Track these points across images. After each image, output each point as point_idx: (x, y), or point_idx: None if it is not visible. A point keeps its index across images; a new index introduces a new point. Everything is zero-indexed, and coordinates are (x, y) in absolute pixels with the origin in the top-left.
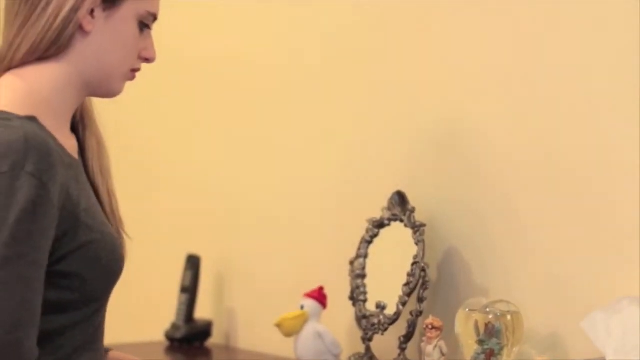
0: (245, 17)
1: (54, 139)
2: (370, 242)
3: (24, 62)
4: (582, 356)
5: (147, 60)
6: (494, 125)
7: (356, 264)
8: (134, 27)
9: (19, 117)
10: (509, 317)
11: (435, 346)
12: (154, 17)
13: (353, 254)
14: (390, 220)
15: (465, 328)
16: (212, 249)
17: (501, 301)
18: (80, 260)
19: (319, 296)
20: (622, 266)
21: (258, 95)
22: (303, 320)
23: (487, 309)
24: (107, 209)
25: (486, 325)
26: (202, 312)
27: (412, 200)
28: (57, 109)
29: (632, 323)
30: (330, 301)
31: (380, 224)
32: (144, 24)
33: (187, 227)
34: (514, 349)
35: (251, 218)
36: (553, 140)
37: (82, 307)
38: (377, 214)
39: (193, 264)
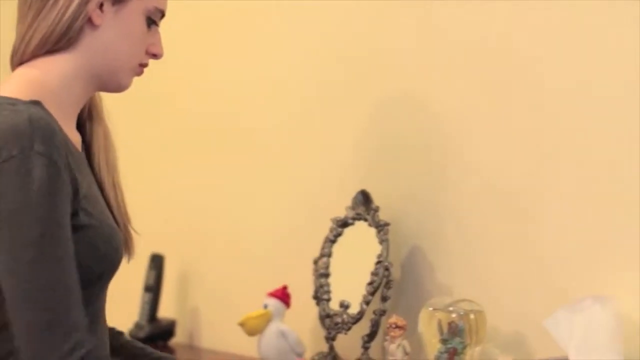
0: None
1: (58, 125)
2: (334, 242)
3: (34, 55)
4: (545, 355)
5: (155, 55)
6: (457, 124)
7: (320, 263)
8: (141, 22)
9: (23, 102)
10: (472, 316)
11: (399, 345)
12: (162, 14)
13: (317, 253)
14: (354, 219)
15: (428, 327)
16: (176, 248)
17: (464, 300)
18: (76, 243)
19: (283, 295)
20: (584, 265)
21: (221, 97)
22: (266, 319)
23: (451, 308)
24: (113, 203)
25: (449, 324)
26: (165, 311)
27: (376, 199)
28: (63, 100)
29: (595, 322)
30: (293, 300)
31: (344, 223)
32: (152, 20)
33: (151, 227)
34: (477, 348)
35: (215, 218)
36: (514, 140)
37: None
38: (341, 213)
39: (157, 263)
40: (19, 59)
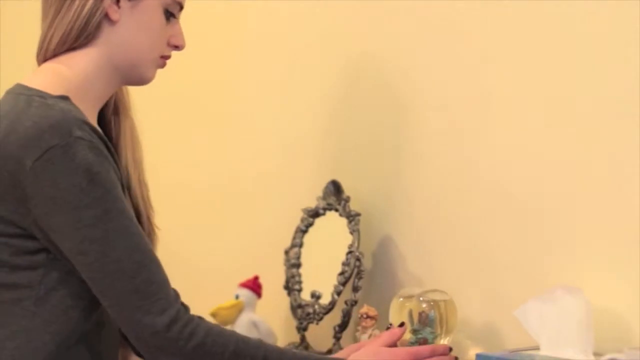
0: None
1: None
2: (305, 232)
3: (57, 53)
4: (517, 345)
5: (177, 47)
6: (429, 114)
7: (291, 253)
8: (159, 15)
9: (52, 96)
10: (442, 306)
11: (370, 335)
12: (180, 6)
13: (288, 243)
14: (325, 209)
15: (399, 317)
16: None
17: (435, 290)
18: None
19: (254, 285)
20: (555, 256)
21: (195, 83)
22: (238, 309)
23: (421, 298)
24: (139, 197)
25: (420, 314)
26: None
27: (347, 189)
28: (87, 96)
29: (566, 312)
30: (265, 290)
31: (315, 213)
32: (170, 12)
33: None
34: (447, 338)
35: (185, 207)
36: (487, 132)
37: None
38: (312, 203)
39: None
40: (42, 57)
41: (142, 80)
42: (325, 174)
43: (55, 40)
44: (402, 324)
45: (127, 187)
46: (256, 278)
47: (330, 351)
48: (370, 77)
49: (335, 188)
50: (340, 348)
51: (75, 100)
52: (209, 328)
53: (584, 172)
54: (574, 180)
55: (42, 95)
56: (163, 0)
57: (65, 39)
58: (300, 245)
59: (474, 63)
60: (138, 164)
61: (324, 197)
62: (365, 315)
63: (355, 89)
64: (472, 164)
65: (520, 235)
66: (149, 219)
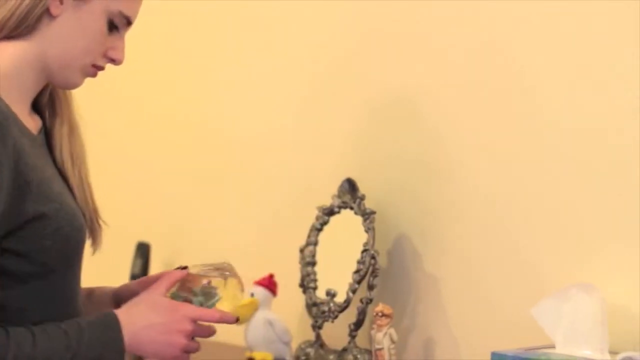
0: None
1: (8, 107)
2: (320, 230)
3: None
4: (533, 343)
5: (113, 61)
6: (444, 111)
7: (306, 251)
8: (101, 23)
9: None
10: (229, 286)
11: (385, 333)
12: (127, 21)
13: (303, 242)
14: (340, 207)
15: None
16: (162, 236)
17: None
18: (39, 227)
19: (269, 284)
20: (570, 254)
21: (207, 85)
22: (253, 308)
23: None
24: (79, 196)
25: (206, 283)
26: None
27: (362, 187)
28: (15, 85)
29: (581, 310)
30: (280, 289)
31: (330, 212)
32: (114, 24)
33: (137, 215)
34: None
35: (201, 207)
36: (502, 135)
37: (44, 278)
38: (327, 202)
39: (143, 251)
40: None
41: (66, 84)
42: (340, 172)
43: None
44: (185, 268)
45: (64, 179)
46: (271, 276)
47: (345, 350)
48: (388, 78)
49: (350, 186)
50: (356, 346)
51: (2, 89)
52: None
53: (602, 171)
54: (591, 179)
55: None
56: (108, 8)
57: (2, 26)
58: (316, 244)
59: (493, 69)
60: (77, 160)
61: (339, 195)
62: (380, 314)
63: (372, 89)
64: (487, 163)
65: (534, 234)
66: (92, 219)
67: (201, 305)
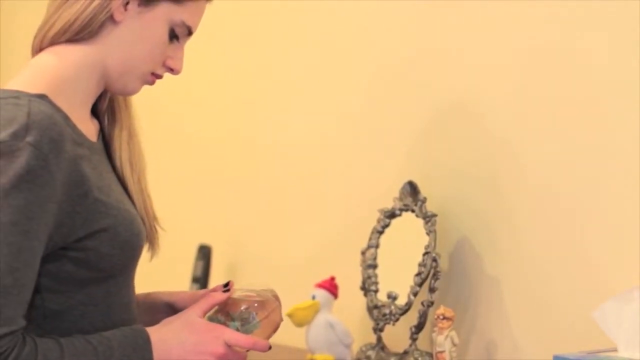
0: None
1: (66, 118)
2: (381, 232)
3: (54, 42)
4: (594, 346)
5: (172, 70)
6: (505, 114)
7: (367, 254)
8: (163, 31)
9: (27, 95)
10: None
11: (447, 336)
12: (189, 30)
13: (364, 244)
14: (401, 210)
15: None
16: (224, 239)
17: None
18: (99, 238)
19: (331, 286)
20: (636, 255)
21: (266, 86)
22: (314, 310)
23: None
24: (138, 202)
25: (245, 309)
26: None
27: (424, 190)
28: (74, 90)
29: None
30: (341, 291)
31: (391, 214)
32: (174, 33)
33: (199, 218)
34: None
35: (262, 209)
36: (565, 139)
37: (102, 283)
38: (389, 204)
39: (204, 254)
40: (39, 43)
41: (124, 90)
42: (401, 174)
43: (56, 28)
44: (228, 285)
45: (123, 185)
46: (332, 279)
47: (406, 352)
48: (449, 81)
49: (412, 189)
50: (417, 349)
51: (61, 94)
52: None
53: None
54: None
55: (16, 96)
56: (171, 17)
57: (66, 29)
58: (377, 246)
59: (553, 72)
60: (136, 166)
61: (401, 198)
62: (441, 317)
63: (433, 92)
64: (549, 165)
65: (596, 236)
66: (150, 225)
67: (237, 330)
